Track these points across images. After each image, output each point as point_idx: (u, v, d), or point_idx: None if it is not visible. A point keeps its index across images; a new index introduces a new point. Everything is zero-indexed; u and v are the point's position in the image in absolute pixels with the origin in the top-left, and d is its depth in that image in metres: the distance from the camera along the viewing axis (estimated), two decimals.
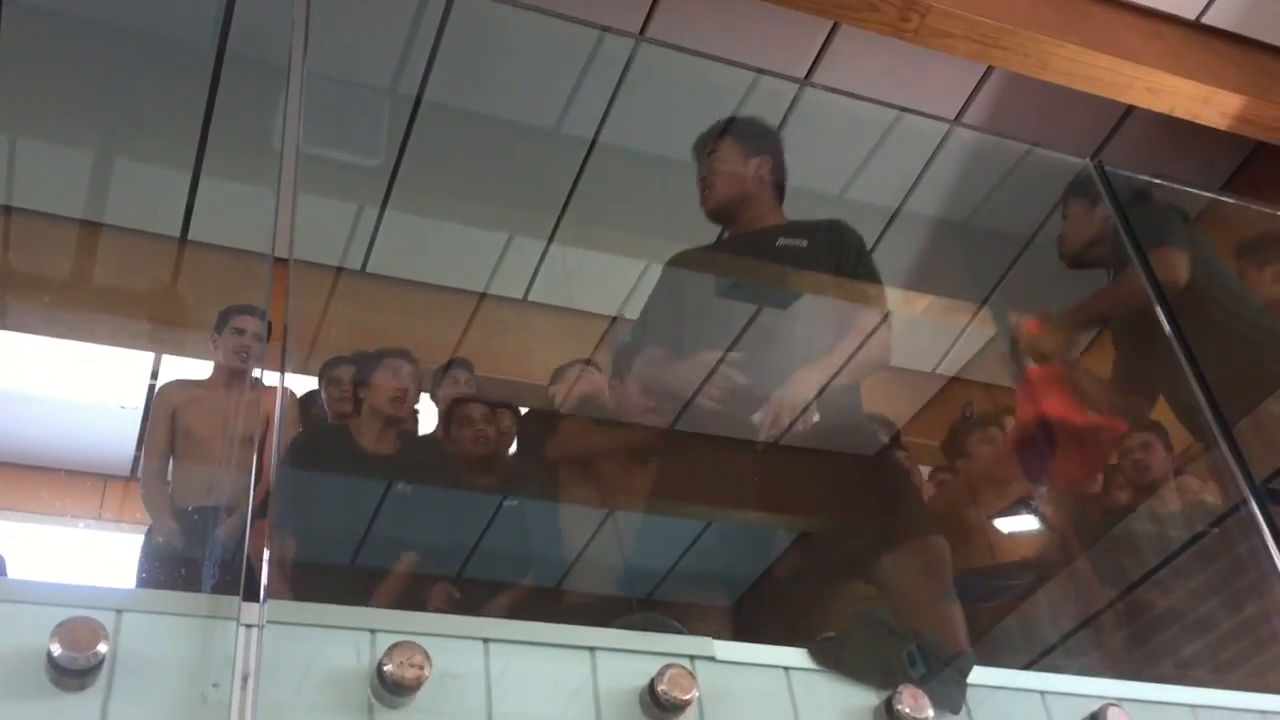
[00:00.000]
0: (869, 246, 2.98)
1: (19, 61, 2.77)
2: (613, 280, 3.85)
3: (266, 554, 1.35)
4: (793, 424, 2.47)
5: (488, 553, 2.60)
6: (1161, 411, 2.76)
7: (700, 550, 2.71)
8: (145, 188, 3.46)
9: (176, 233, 3.27)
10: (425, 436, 3.01)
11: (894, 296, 3.01)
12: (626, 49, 3.31)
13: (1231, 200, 3.28)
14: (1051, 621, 2.45)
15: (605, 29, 3.11)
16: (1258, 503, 2.05)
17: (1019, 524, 2.95)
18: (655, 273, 3.67)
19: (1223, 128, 3.76)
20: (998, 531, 2.90)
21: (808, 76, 3.64)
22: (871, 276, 2.69)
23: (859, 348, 2.60)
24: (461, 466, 3.03)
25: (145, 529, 2.51)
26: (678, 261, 2.81)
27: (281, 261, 1.96)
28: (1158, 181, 2.74)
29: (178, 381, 2.76)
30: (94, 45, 3.04)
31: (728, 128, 2.79)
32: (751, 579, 2.74)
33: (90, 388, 3.10)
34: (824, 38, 3.62)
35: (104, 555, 2.67)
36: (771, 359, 2.66)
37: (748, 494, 2.62)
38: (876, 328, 2.65)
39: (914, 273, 3.44)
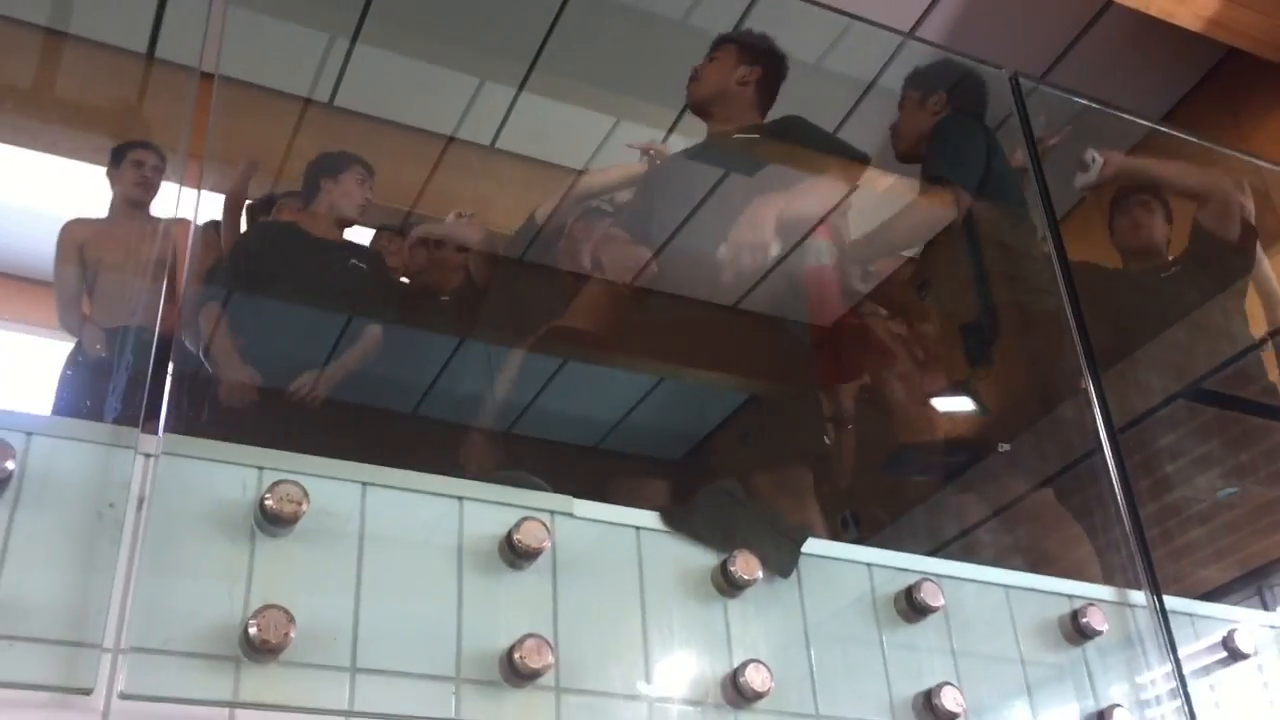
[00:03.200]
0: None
1: None
2: (582, 134, 3.89)
3: (168, 390, 1.49)
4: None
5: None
6: None
7: (651, 405, 2.87)
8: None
9: (143, 49, 3.29)
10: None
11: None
12: None
13: (1169, 131, 3.31)
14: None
15: None
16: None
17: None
18: (625, 129, 3.72)
19: (1196, 29, 3.75)
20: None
21: None
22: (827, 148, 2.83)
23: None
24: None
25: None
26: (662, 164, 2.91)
27: (207, 77, 1.96)
28: (1091, 104, 2.77)
29: (79, 219, 2.85)
30: None
31: (735, 36, 2.90)
32: (700, 436, 2.91)
33: (51, 198, 3.17)
34: None
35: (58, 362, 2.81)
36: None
37: (701, 353, 2.77)
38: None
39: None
